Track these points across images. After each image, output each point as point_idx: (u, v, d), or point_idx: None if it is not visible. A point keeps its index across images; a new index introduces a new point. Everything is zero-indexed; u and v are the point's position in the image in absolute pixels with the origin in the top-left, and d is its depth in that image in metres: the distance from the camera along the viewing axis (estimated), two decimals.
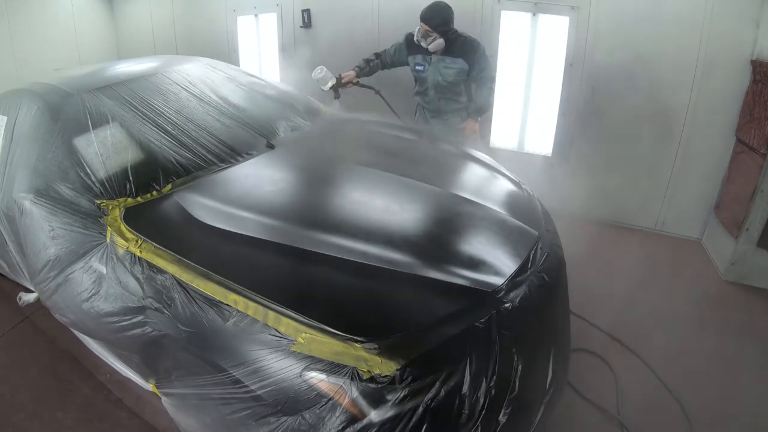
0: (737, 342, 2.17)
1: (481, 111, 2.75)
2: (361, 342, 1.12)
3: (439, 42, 2.59)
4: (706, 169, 2.96)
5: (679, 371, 1.98)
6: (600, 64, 3.01)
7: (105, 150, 1.73)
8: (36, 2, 4.03)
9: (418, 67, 2.76)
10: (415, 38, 2.65)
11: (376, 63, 2.88)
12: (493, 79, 2.70)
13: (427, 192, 1.76)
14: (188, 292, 1.27)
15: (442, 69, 2.68)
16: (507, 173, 2.14)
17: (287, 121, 2.28)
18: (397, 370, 1.09)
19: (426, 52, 2.67)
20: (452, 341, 1.19)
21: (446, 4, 2.60)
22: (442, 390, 1.11)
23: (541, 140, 3.42)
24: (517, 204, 1.85)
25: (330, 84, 2.77)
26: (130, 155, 1.75)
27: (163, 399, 1.51)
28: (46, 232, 1.59)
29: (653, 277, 2.61)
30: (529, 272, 1.45)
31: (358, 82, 2.86)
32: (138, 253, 1.40)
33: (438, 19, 2.56)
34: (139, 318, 1.37)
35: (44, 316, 2.01)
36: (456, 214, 1.67)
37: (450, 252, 1.48)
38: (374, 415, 1.07)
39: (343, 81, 2.80)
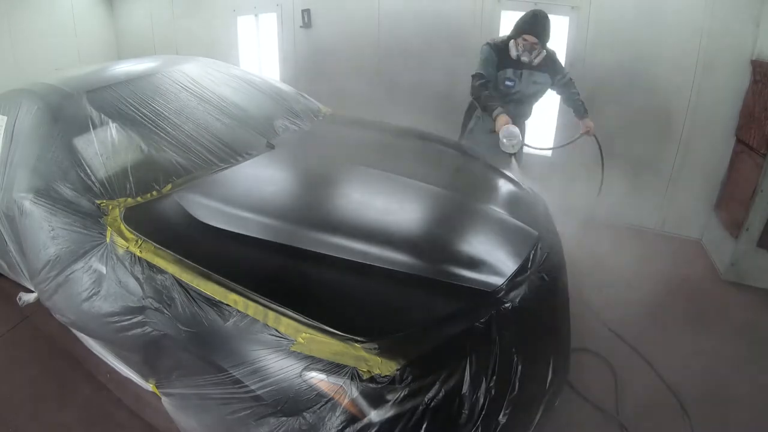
0: (737, 342, 2.17)
1: (584, 108, 2.61)
2: (361, 342, 1.12)
3: (543, 54, 2.43)
4: (706, 169, 2.96)
5: (679, 371, 1.98)
6: (600, 64, 3.01)
7: (105, 150, 1.73)
8: (36, 2, 4.03)
9: (508, 83, 2.53)
10: (513, 52, 2.43)
11: (491, 89, 2.49)
12: (572, 79, 2.58)
13: (427, 192, 1.76)
14: (188, 292, 1.27)
15: (531, 84, 2.52)
16: (507, 173, 2.14)
17: (287, 121, 2.28)
18: (397, 370, 1.09)
19: (517, 65, 2.47)
20: (452, 341, 1.19)
21: (546, 14, 2.39)
22: (442, 390, 1.11)
23: (541, 140, 3.41)
24: (517, 204, 1.85)
25: (517, 147, 2.31)
26: (130, 155, 1.75)
27: (163, 399, 1.51)
28: (46, 232, 1.59)
29: (653, 277, 2.61)
30: (529, 272, 1.45)
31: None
32: (138, 253, 1.40)
33: (547, 31, 2.38)
34: (139, 318, 1.37)
35: (44, 316, 2.00)
36: (456, 214, 1.67)
37: (450, 252, 1.48)
38: (374, 415, 1.07)
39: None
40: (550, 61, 2.50)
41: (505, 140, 2.25)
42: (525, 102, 2.60)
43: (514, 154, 2.39)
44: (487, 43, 2.53)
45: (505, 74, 2.52)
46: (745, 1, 2.63)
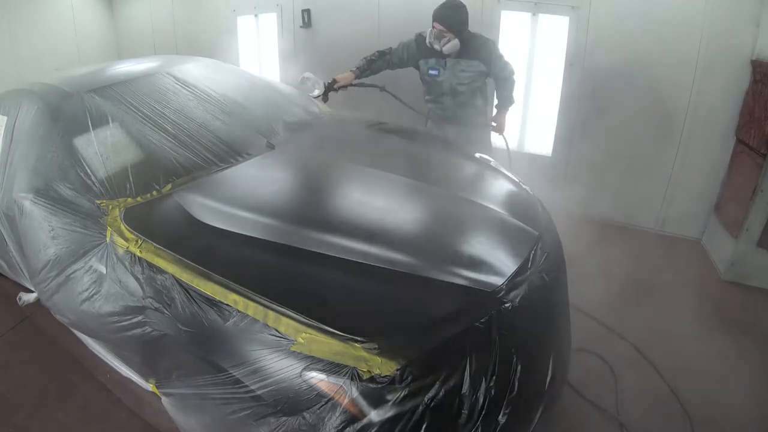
0: (737, 342, 2.17)
1: (507, 105, 2.63)
2: (361, 342, 1.12)
3: (454, 43, 2.41)
4: (706, 169, 2.96)
5: (679, 371, 1.98)
6: (600, 64, 3.01)
7: (105, 150, 1.73)
8: (36, 2, 4.03)
9: (431, 72, 2.55)
10: (427, 40, 2.46)
11: (380, 63, 2.67)
12: (513, 72, 2.56)
13: (427, 192, 1.76)
14: (188, 292, 1.27)
15: (458, 72, 2.51)
16: (507, 173, 2.14)
17: (287, 121, 2.28)
18: (397, 370, 1.09)
19: (440, 55, 2.48)
20: (452, 341, 1.19)
21: (461, 2, 2.42)
22: (442, 390, 1.11)
23: (541, 140, 3.42)
24: (517, 204, 1.85)
25: (317, 92, 2.57)
26: (130, 155, 1.76)
27: (163, 399, 1.51)
28: (46, 232, 1.59)
29: (653, 277, 2.61)
30: (529, 272, 1.45)
31: (355, 84, 2.68)
32: (138, 253, 1.40)
33: (453, 19, 2.39)
34: (139, 318, 1.37)
35: (44, 316, 2.00)
36: (456, 214, 1.67)
37: (450, 252, 1.48)
38: (374, 415, 1.07)
39: (336, 87, 2.61)
40: (485, 50, 2.48)
41: (302, 84, 2.49)
42: (458, 90, 2.56)
43: (322, 97, 2.60)
44: (416, 33, 2.58)
45: (427, 63, 2.55)
46: (745, 2, 2.63)
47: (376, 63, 2.66)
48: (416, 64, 2.62)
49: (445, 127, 2.70)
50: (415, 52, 2.59)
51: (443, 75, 2.54)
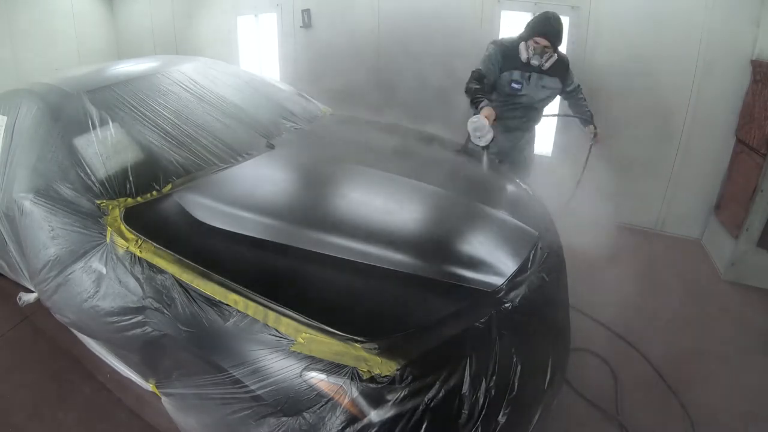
0: (737, 342, 2.17)
1: (592, 118, 2.57)
2: (361, 342, 1.12)
3: (554, 58, 2.34)
4: (706, 169, 2.97)
5: (679, 371, 1.99)
6: (600, 64, 3.02)
7: (105, 150, 1.73)
8: (36, 2, 4.03)
9: (515, 85, 2.42)
10: (524, 55, 2.34)
11: (486, 85, 2.41)
12: (581, 87, 2.53)
13: (427, 192, 1.76)
14: (188, 292, 1.27)
15: (540, 88, 2.43)
16: (507, 173, 2.14)
17: (287, 120, 2.28)
18: (397, 370, 1.09)
19: (525, 68, 2.38)
20: (452, 341, 1.19)
21: (559, 17, 2.32)
22: (442, 390, 1.11)
23: (541, 140, 3.41)
24: (517, 204, 1.85)
25: (489, 137, 2.13)
26: (130, 155, 1.75)
27: (163, 399, 1.51)
28: (46, 232, 1.58)
29: (653, 277, 2.61)
30: (529, 272, 1.45)
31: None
32: (138, 253, 1.40)
33: (559, 35, 2.31)
34: (139, 318, 1.37)
35: (44, 316, 2.00)
36: (456, 214, 1.67)
37: (450, 252, 1.48)
38: (374, 415, 1.07)
39: (492, 122, 2.23)
40: (562, 67, 2.43)
41: (472, 132, 2.14)
42: (533, 107, 2.52)
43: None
44: (494, 42, 2.45)
45: (511, 76, 2.42)
46: (745, 2, 2.63)
47: (485, 87, 2.40)
48: (498, 75, 2.45)
49: (499, 135, 2.48)
50: (500, 63, 2.42)
51: (526, 89, 2.43)
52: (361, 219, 1.60)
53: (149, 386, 1.60)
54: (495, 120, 2.20)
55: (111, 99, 1.92)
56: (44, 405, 1.82)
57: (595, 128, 2.57)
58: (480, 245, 1.54)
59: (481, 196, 1.82)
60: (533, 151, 2.74)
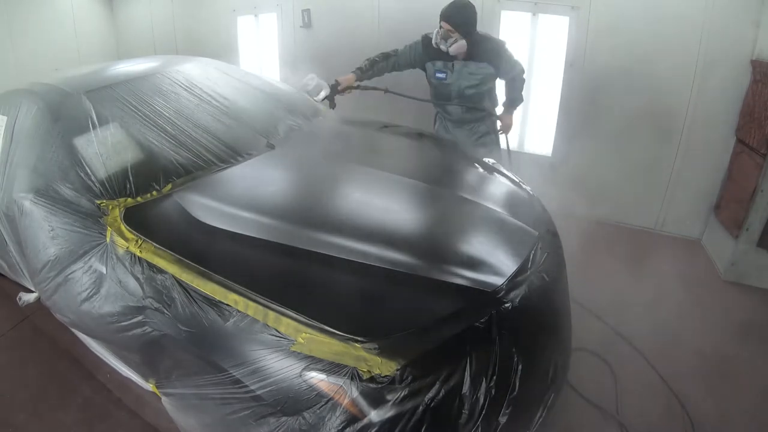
0: (737, 342, 2.17)
1: (515, 104, 2.61)
2: (361, 342, 1.12)
3: (461, 44, 2.34)
4: (706, 169, 2.96)
5: (679, 371, 1.98)
6: (600, 64, 3.02)
7: (105, 150, 1.73)
8: (36, 2, 4.03)
9: (439, 75, 2.47)
10: (433, 41, 2.38)
11: (383, 65, 2.59)
12: (523, 71, 2.52)
13: (427, 192, 1.76)
14: (188, 292, 1.27)
15: (466, 75, 2.45)
16: (507, 173, 2.14)
17: (287, 120, 2.28)
18: (397, 370, 1.09)
19: (447, 57, 2.42)
20: (452, 341, 1.19)
21: (469, 2, 2.35)
22: (442, 390, 1.11)
23: (541, 140, 3.42)
24: (517, 204, 1.85)
25: (323, 94, 2.50)
26: (130, 155, 1.75)
27: (163, 399, 1.51)
28: (46, 232, 1.58)
29: (653, 277, 2.61)
30: (529, 272, 1.45)
31: (358, 86, 2.60)
32: (138, 253, 1.40)
33: (461, 18, 2.31)
34: (139, 318, 1.37)
35: (44, 316, 2.01)
36: (456, 213, 1.67)
37: (450, 252, 1.48)
38: (374, 415, 1.07)
39: (340, 88, 2.55)
40: (494, 52, 2.42)
41: (305, 89, 2.36)
42: (465, 95, 2.51)
43: (327, 100, 2.55)
44: (423, 34, 2.50)
45: (434, 66, 2.47)
46: (745, 2, 2.63)
47: (378, 64, 2.59)
48: (423, 66, 2.55)
49: (454, 130, 2.66)
50: (421, 54, 2.51)
51: (451, 78, 2.47)
52: (362, 219, 1.60)
53: (149, 386, 1.60)
54: (348, 89, 2.52)
55: (111, 99, 1.92)
56: (44, 405, 1.82)
57: (510, 119, 2.62)
58: (480, 245, 1.54)
59: (482, 195, 1.82)
60: (497, 143, 2.73)
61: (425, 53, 2.49)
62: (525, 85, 2.61)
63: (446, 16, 2.33)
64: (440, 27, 2.35)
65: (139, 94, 1.98)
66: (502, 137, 2.73)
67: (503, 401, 1.22)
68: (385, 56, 2.58)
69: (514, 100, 2.60)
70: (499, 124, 2.66)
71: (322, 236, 1.43)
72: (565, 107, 3.21)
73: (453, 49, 2.36)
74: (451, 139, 2.61)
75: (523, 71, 2.54)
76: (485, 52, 2.41)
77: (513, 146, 3.44)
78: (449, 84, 2.49)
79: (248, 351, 1.17)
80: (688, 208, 3.09)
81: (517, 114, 3.30)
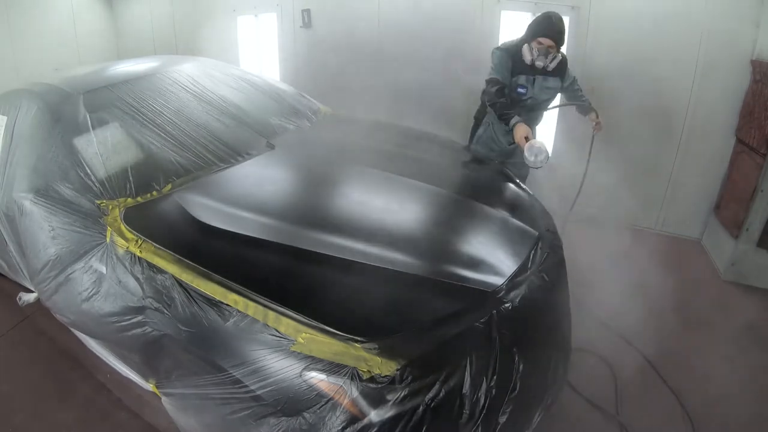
0: (737, 342, 2.17)
1: (590, 105, 2.51)
2: (361, 342, 1.12)
3: (559, 59, 2.29)
4: (706, 169, 2.97)
5: (679, 371, 1.99)
6: (600, 64, 3.01)
7: (105, 150, 1.73)
8: (36, 2, 4.03)
9: (520, 90, 2.38)
10: (528, 57, 2.27)
11: (504, 92, 2.35)
12: (576, 80, 2.48)
13: (427, 192, 1.76)
14: (188, 292, 1.27)
15: (544, 90, 2.39)
16: (507, 173, 2.14)
17: (287, 120, 2.28)
18: (397, 370, 1.09)
19: (530, 71, 2.33)
20: (452, 341, 1.19)
21: (561, 16, 2.27)
22: (442, 390, 1.11)
23: (541, 140, 3.41)
24: (517, 204, 1.85)
25: (544, 157, 2.11)
26: (129, 155, 1.75)
27: (163, 399, 1.51)
28: (46, 232, 1.59)
29: (653, 277, 2.61)
30: (529, 272, 1.45)
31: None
32: (138, 253, 1.40)
33: (563, 34, 2.25)
34: (139, 318, 1.37)
35: (44, 316, 2.01)
36: (456, 214, 1.67)
37: (450, 252, 1.48)
38: (374, 415, 1.07)
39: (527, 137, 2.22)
40: (563, 66, 2.39)
41: (531, 157, 2.08)
42: (537, 108, 2.48)
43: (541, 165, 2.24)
44: (498, 48, 2.39)
45: (517, 80, 2.37)
46: (745, 2, 2.63)
47: (504, 96, 2.34)
48: (508, 81, 2.39)
49: (501, 138, 2.51)
50: (510, 69, 2.35)
51: (531, 92, 2.39)
52: (362, 219, 1.60)
53: (149, 386, 1.60)
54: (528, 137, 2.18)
55: (111, 99, 1.92)
56: (44, 405, 1.82)
57: (597, 116, 2.50)
58: (480, 245, 1.54)
59: (481, 195, 1.82)
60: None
61: (512, 68, 2.36)
62: None
63: (548, 32, 2.23)
64: (538, 43, 2.25)
65: (139, 94, 1.99)
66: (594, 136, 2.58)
67: (503, 401, 1.22)
68: (497, 84, 2.32)
69: (588, 103, 2.52)
70: (594, 125, 2.50)
71: (322, 236, 1.43)
72: (565, 107, 3.21)
73: (553, 65, 2.29)
74: (450, 139, 2.61)
75: (576, 78, 2.50)
76: (558, 67, 2.35)
77: None
78: (528, 98, 2.40)
79: (248, 351, 1.17)
80: (688, 208, 3.09)
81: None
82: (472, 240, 1.57)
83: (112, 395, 1.86)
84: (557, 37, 2.24)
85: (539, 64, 2.27)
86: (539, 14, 2.34)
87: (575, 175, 3.16)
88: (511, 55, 2.34)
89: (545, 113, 2.58)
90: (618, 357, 2.06)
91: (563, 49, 2.40)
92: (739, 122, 2.76)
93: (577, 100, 2.53)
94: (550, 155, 2.12)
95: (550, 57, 2.27)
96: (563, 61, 2.38)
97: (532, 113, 2.49)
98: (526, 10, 3.15)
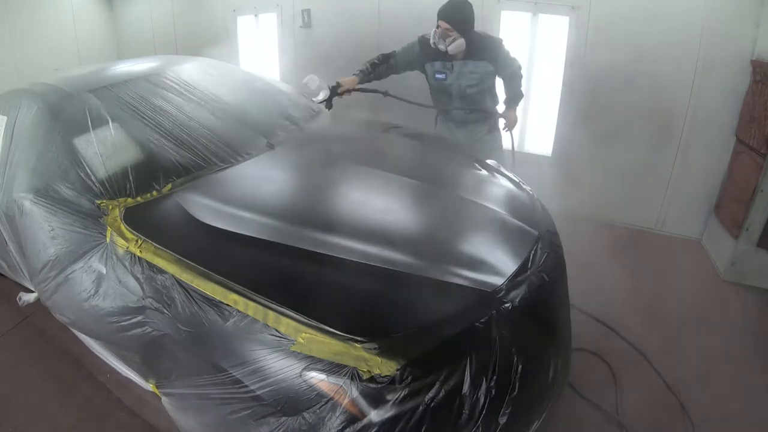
0: (737, 342, 2.17)
1: (517, 100, 2.58)
2: (361, 342, 1.12)
3: (460, 42, 2.30)
4: (706, 169, 2.97)
5: (679, 371, 1.98)
6: (600, 64, 3.01)
7: (105, 150, 1.73)
8: (36, 2, 4.03)
9: (438, 76, 2.44)
10: (431, 41, 2.34)
11: (384, 67, 2.53)
12: (520, 67, 2.50)
13: (427, 192, 1.76)
14: (188, 292, 1.27)
15: (466, 75, 2.42)
16: (507, 173, 2.14)
17: (287, 120, 2.28)
18: (397, 370, 1.09)
19: (446, 57, 2.38)
20: (452, 341, 1.19)
21: (467, 0, 2.33)
22: (442, 390, 1.11)
23: (541, 140, 3.42)
24: (517, 204, 1.85)
25: (322, 96, 2.47)
26: (130, 155, 1.75)
27: (163, 399, 1.51)
28: (46, 232, 1.59)
29: (653, 277, 2.61)
30: (529, 272, 1.45)
31: (359, 88, 2.55)
32: (138, 253, 1.40)
33: (459, 16, 2.28)
34: (139, 318, 1.37)
35: (44, 316, 2.00)
36: (456, 214, 1.67)
37: (450, 252, 1.48)
38: (374, 415, 1.07)
39: (340, 90, 2.48)
40: (492, 50, 2.40)
41: (305, 86, 2.31)
42: (466, 95, 2.49)
43: (325, 102, 2.50)
44: (419, 36, 2.46)
45: (433, 67, 2.44)
46: (745, 2, 2.63)
47: (379, 67, 2.53)
48: (422, 68, 2.52)
49: (455, 131, 2.63)
50: (419, 55, 2.47)
51: (451, 78, 2.44)
52: (361, 219, 1.59)
53: (149, 386, 1.60)
54: (348, 91, 2.46)
55: (111, 99, 1.92)
56: (44, 405, 1.82)
57: (514, 116, 2.60)
58: (480, 245, 1.54)
59: (482, 195, 1.82)
60: (499, 143, 2.70)
61: (423, 54, 2.45)
62: (525, 85, 2.60)
63: (444, 14, 2.30)
64: (438, 26, 2.32)
65: (139, 93, 1.98)
66: (506, 135, 2.70)
67: (503, 401, 1.21)
68: (385, 58, 2.53)
69: (515, 96, 2.58)
70: (502, 121, 2.64)
71: (322, 236, 1.43)
72: (565, 107, 3.21)
73: (452, 48, 2.32)
74: (450, 139, 2.61)
75: (520, 67, 2.52)
76: (483, 50, 2.39)
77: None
78: (449, 84, 2.46)
79: (248, 351, 1.17)
80: (688, 208, 3.09)
81: (518, 114, 3.31)
82: (472, 240, 1.57)
83: (112, 395, 1.86)
84: (454, 19, 2.28)
85: (440, 47, 2.33)
86: None
87: (575, 174, 3.17)
88: (427, 42, 2.40)
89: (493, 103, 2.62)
90: (618, 357, 2.06)
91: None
92: (739, 122, 2.76)
93: (508, 91, 2.57)
94: (324, 89, 2.45)
95: (448, 40, 2.30)
96: (490, 46, 2.41)
97: (465, 100, 2.51)
98: (526, 10, 3.16)
